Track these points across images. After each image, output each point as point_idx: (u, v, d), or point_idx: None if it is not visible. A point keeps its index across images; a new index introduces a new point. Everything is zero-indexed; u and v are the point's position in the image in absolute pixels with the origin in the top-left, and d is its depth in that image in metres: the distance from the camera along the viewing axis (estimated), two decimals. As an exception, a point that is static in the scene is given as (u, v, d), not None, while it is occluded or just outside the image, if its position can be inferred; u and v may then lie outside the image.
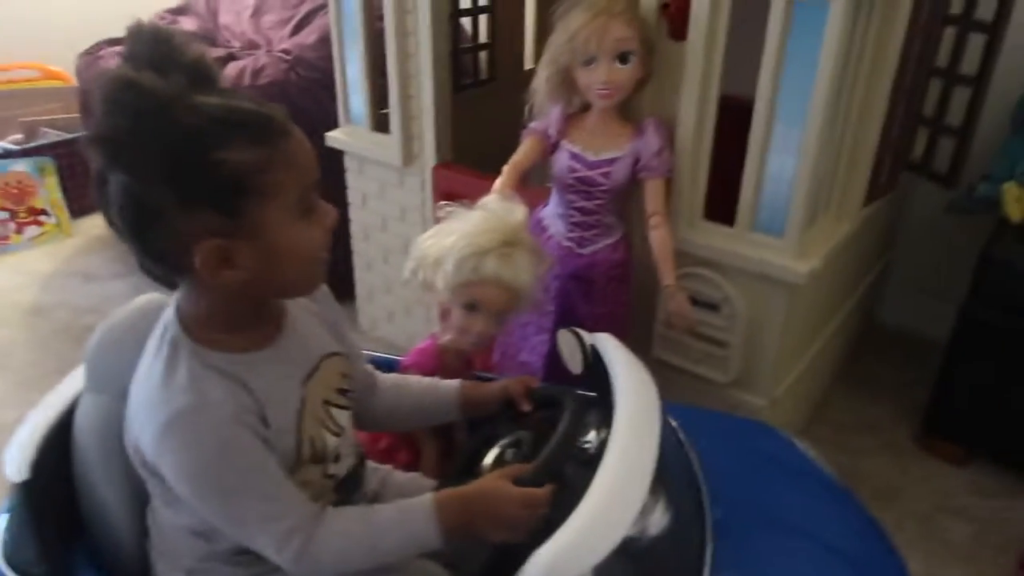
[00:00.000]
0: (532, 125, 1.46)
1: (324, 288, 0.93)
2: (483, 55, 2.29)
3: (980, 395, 1.70)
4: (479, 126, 1.99)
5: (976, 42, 1.64)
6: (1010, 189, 1.70)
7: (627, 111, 1.45)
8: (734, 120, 1.39)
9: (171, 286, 0.83)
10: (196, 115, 0.68)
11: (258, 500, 0.76)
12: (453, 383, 1.05)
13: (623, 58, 1.33)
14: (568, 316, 1.49)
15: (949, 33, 1.64)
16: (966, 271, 1.67)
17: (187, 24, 2.72)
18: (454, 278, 1.11)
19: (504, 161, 1.44)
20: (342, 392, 0.92)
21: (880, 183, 1.59)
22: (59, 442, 0.94)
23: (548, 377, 1.45)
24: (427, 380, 1.07)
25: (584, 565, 0.77)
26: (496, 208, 1.16)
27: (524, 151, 1.43)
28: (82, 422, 0.94)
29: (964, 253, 1.73)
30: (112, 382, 0.95)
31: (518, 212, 1.16)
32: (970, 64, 1.66)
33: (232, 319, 0.80)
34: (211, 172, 0.68)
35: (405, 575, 0.88)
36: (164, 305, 1.04)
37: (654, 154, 1.40)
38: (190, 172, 0.68)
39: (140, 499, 0.95)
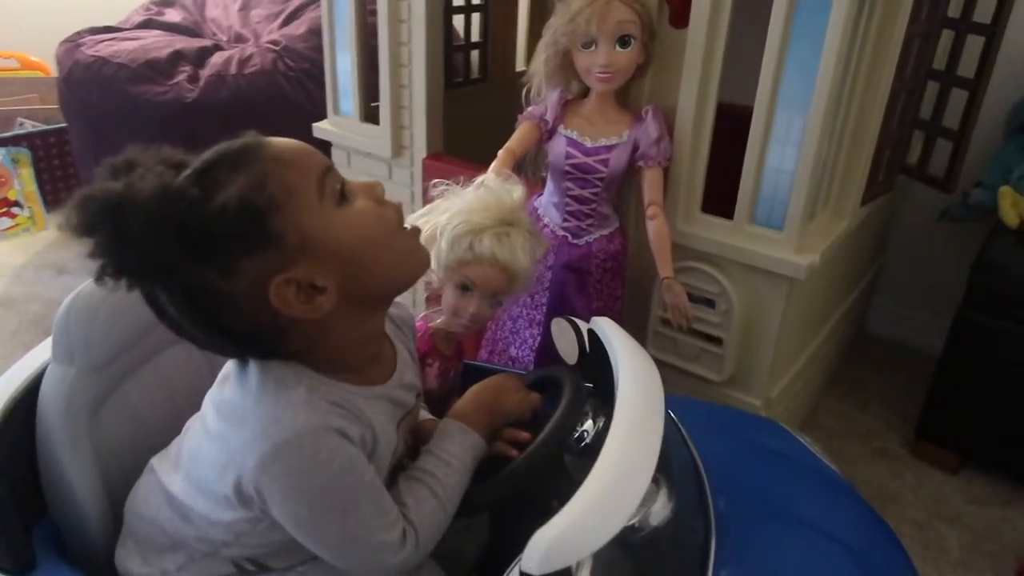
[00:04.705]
0: (528, 110, 1.42)
1: (411, 320, 0.93)
2: (474, 54, 2.26)
3: (974, 401, 1.67)
4: (468, 125, 1.94)
5: (974, 45, 1.63)
6: (1006, 193, 1.68)
7: (626, 98, 1.42)
8: (741, 128, 1.36)
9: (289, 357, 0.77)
10: (183, 191, 0.65)
11: (375, 514, 0.76)
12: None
13: (623, 42, 1.30)
14: (561, 309, 1.44)
15: (947, 35, 1.63)
16: (953, 281, 1.64)
17: (172, 16, 2.67)
18: (448, 256, 1.06)
19: (493, 159, 1.37)
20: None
21: (878, 181, 1.57)
22: (22, 415, 0.88)
23: (540, 372, 1.40)
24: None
25: (585, 549, 0.72)
26: (493, 187, 1.12)
27: (519, 136, 1.39)
28: (47, 395, 0.88)
29: (952, 263, 1.71)
30: (81, 354, 0.89)
31: (516, 192, 1.11)
32: (966, 68, 1.65)
33: (351, 358, 0.78)
34: (221, 219, 0.65)
35: None
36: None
37: (653, 142, 1.36)
38: (205, 237, 0.65)
39: (106, 480, 0.89)
